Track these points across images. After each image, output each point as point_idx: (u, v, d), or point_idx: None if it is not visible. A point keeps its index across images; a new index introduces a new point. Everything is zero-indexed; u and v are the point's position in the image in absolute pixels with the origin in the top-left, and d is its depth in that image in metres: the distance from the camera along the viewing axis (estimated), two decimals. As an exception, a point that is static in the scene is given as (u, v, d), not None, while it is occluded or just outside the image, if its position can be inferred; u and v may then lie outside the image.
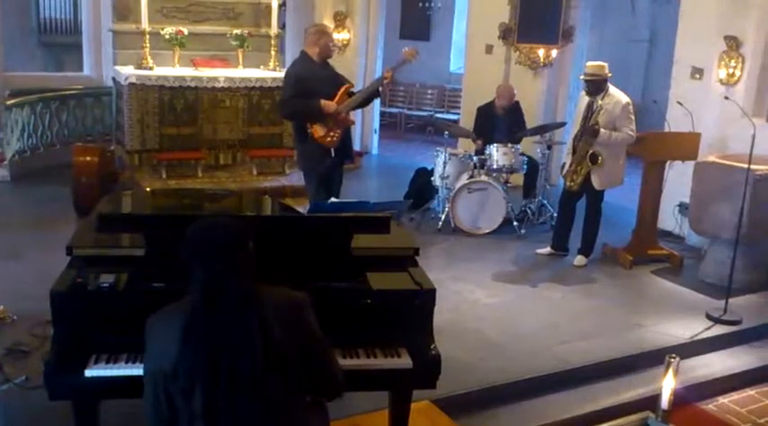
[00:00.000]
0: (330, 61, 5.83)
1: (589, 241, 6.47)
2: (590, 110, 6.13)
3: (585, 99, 6.22)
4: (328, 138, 5.61)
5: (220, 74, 7.92)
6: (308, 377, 2.39)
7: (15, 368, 4.01)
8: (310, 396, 2.51)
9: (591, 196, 6.34)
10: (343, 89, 5.65)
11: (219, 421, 2.23)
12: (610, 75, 6.14)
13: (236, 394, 2.23)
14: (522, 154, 7.35)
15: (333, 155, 5.66)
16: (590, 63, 6.24)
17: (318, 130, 5.60)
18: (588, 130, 6.07)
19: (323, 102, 5.51)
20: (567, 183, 6.35)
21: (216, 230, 2.38)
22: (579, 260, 6.47)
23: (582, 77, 6.26)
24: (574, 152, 6.26)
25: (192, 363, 2.22)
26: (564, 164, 6.49)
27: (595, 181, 6.18)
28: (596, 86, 6.11)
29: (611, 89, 6.14)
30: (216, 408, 2.22)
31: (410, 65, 5.87)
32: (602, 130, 6.00)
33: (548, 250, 6.66)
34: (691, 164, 6.36)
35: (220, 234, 2.36)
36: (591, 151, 6.08)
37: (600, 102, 6.07)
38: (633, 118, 6.12)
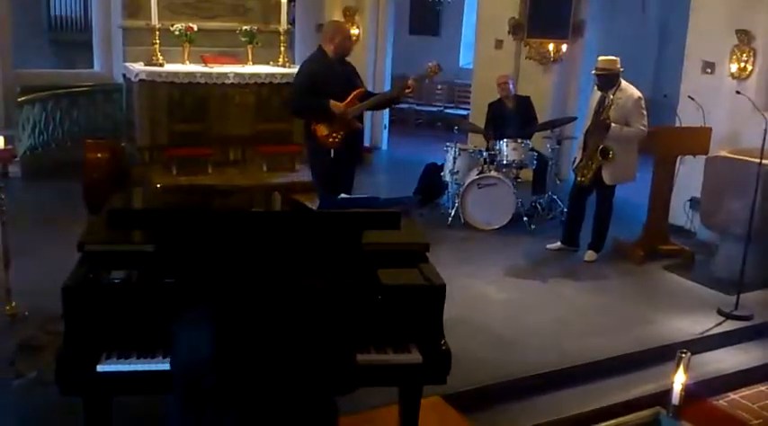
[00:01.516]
0: None
1: (600, 236, 6.45)
2: (602, 105, 6.11)
3: (598, 93, 6.20)
4: (330, 139, 5.57)
5: (230, 70, 7.93)
6: (323, 371, 2.40)
7: (28, 363, 4.04)
8: (323, 390, 2.52)
9: (602, 191, 6.32)
10: (354, 93, 5.58)
11: (253, 418, 2.24)
12: (621, 69, 6.11)
13: (266, 391, 2.24)
14: (532, 149, 7.33)
15: (332, 155, 5.59)
16: (602, 57, 6.21)
17: (322, 130, 5.56)
18: (599, 125, 6.05)
19: (332, 102, 5.46)
20: (578, 178, 6.32)
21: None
22: (590, 255, 6.45)
23: (593, 72, 6.24)
24: (585, 147, 6.24)
25: (223, 361, 2.23)
26: (575, 158, 6.47)
27: (606, 176, 6.15)
28: (607, 81, 6.08)
29: (624, 84, 6.12)
30: (248, 406, 2.23)
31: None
32: (613, 125, 5.98)
33: (558, 245, 6.64)
34: (702, 159, 6.33)
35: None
36: (602, 146, 6.06)
37: (612, 96, 6.04)
38: (645, 113, 6.10)
